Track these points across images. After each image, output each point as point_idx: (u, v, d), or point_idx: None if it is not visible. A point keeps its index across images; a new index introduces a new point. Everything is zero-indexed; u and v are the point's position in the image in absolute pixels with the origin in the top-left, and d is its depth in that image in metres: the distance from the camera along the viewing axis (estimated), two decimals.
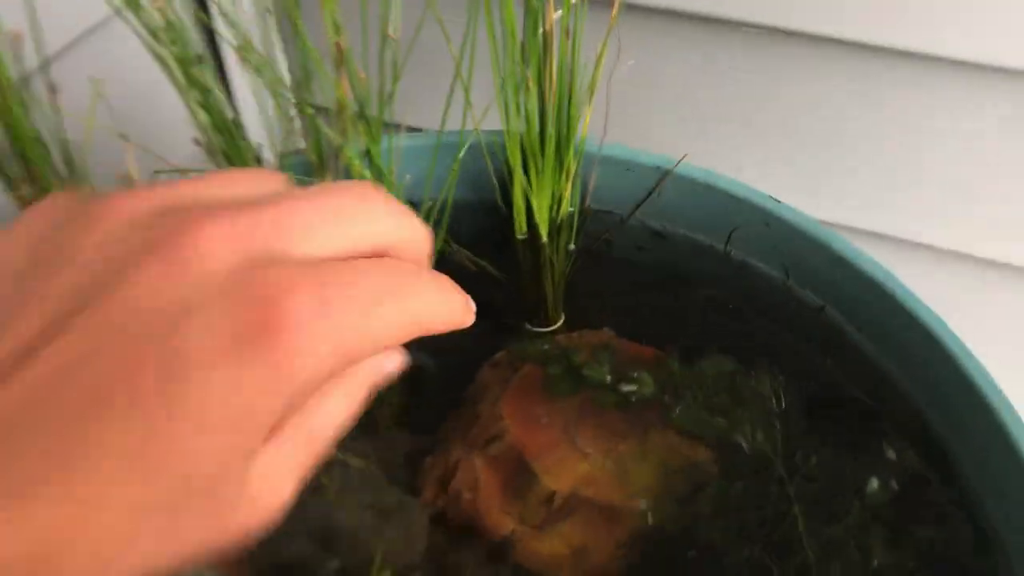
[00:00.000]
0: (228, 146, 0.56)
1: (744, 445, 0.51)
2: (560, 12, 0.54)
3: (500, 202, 0.63)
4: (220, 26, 0.78)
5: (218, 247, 0.24)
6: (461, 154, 0.60)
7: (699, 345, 0.59)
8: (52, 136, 0.51)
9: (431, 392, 0.61)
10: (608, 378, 0.54)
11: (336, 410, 0.29)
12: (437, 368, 0.61)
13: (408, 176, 0.63)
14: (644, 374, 0.54)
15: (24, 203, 0.50)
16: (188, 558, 0.24)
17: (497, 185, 0.63)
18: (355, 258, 0.26)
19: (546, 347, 0.57)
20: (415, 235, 0.29)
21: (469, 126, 0.60)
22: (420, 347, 0.62)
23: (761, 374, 0.54)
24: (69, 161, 0.53)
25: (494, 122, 0.61)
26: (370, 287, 0.26)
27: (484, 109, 0.60)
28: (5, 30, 0.47)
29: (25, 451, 0.21)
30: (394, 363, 0.31)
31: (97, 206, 0.25)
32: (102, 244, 0.24)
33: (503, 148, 0.61)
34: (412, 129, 0.65)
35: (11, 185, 0.48)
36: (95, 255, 0.24)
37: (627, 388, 0.53)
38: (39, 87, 0.52)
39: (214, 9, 0.77)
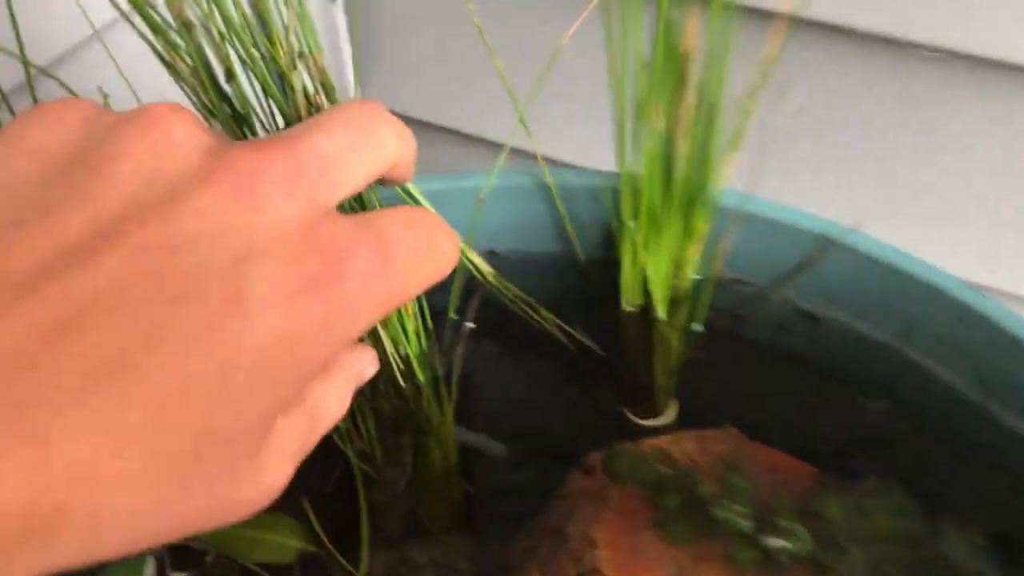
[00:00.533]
0: None
1: None
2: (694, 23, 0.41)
3: (607, 260, 0.50)
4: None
5: (276, 192, 0.24)
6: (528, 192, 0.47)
7: (857, 464, 0.45)
8: None
9: (502, 491, 0.48)
10: (745, 527, 0.40)
11: (334, 400, 0.29)
12: (510, 459, 0.49)
13: (488, 219, 0.50)
14: (796, 525, 0.40)
15: None
16: (185, 530, 0.23)
17: (602, 239, 0.50)
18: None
19: (656, 458, 0.44)
20: (411, 147, 0.29)
21: (574, 158, 0.47)
22: (492, 431, 0.51)
23: (952, 535, 0.40)
24: None
25: (602, 159, 0.48)
26: (414, 243, 0.26)
27: (587, 140, 0.47)
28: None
29: (56, 374, 0.20)
30: (374, 369, 0.32)
31: (139, 116, 0.24)
32: (153, 157, 0.24)
33: (614, 194, 0.48)
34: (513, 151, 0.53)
35: None
36: (147, 165, 0.23)
37: (773, 542, 0.40)
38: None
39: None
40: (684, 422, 0.50)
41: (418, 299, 0.45)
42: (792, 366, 0.49)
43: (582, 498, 0.46)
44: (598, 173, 0.48)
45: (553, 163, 0.72)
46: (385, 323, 0.43)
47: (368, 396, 0.46)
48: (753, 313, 0.50)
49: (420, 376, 0.45)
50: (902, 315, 0.45)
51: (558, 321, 0.50)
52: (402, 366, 0.45)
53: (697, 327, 0.49)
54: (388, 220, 0.26)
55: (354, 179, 0.26)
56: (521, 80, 0.68)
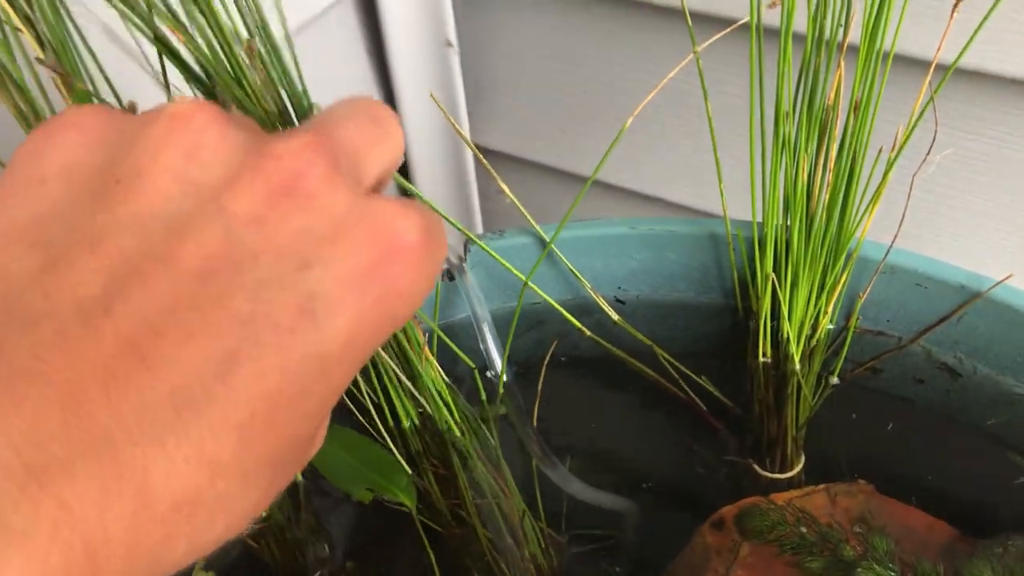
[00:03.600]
0: None
1: None
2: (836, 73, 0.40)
3: (739, 308, 0.49)
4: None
5: (322, 186, 0.23)
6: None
7: (1000, 522, 0.43)
8: None
9: (631, 547, 0.48)
10: None
11: None
12: (640, 514, 0.48)
13: (616, 267, 0.50)
14: None
15: None
16: (254, 517, 0.22)
17: (733, 288, 0.50)
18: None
19: (795, 517, 0.43)
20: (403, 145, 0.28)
21: (699, 200, 0.46)
22: (622, 486, 0.50)
23: None
24: None
25: (736, 207, 0.47)
26: (439, 223, 0.25)
27: (701, 183, 0.46)
28: None
29: (143, 404, 0.19)
30: None
31: (162, 118, 0.23)
32: (187, 161, 0.22)
33: (747, 242, 0.47)
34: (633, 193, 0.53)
35: None
36: (184, 172, 0.22)
37: None
38: None
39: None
40: (811, 474, 0.48)
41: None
42: (928, 419, 0.48)
43: (712, 553, 0.45)
44: (732, 222, 0.47)
45: (662, 203, 0.72)
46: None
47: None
48: (889, 365, 0.49)
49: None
50: None
51: (685, 370, 0.49)
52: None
53: (832, 379, 0.48)
54: (414, 200, 0.26)
55: (377, 169, 0.26)
56: (629, 120, 0.68)
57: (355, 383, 0.46)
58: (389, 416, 0.45)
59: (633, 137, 0.69)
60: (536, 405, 0.49)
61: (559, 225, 0.49)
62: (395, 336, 0.42)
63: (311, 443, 0.24)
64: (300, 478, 0.46)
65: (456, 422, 0.45)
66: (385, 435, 0.45)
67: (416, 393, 0.44)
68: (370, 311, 0.22)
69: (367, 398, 0.45)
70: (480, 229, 0.83)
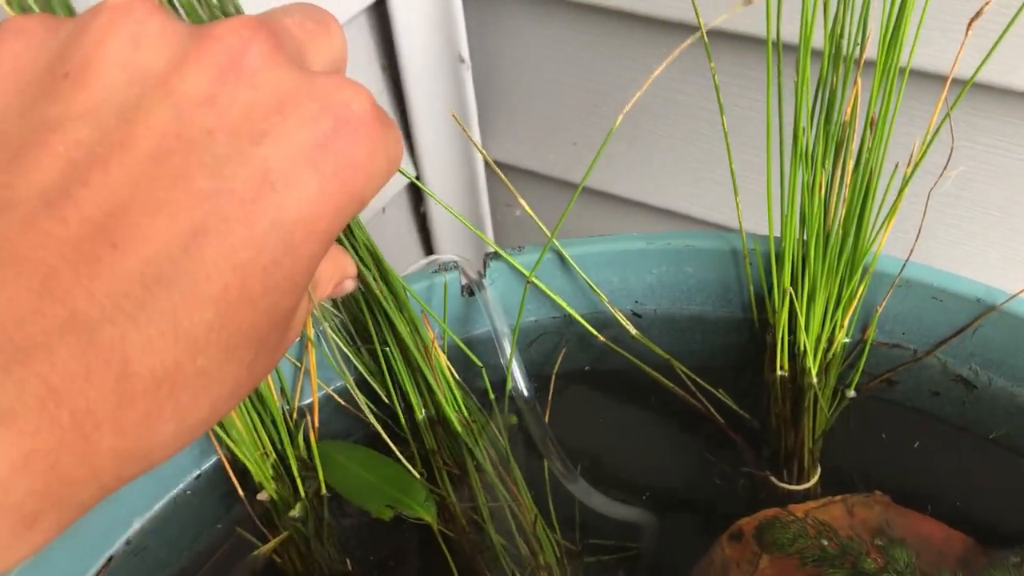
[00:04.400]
0: None
1: None
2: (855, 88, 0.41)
3: (755, 322, 0.50)
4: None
5: (265, 63, 0.23)
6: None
7: (1008, 536, 0.44)
8: None
9: (648, 558, 0.48)
10: None
11: (326, 275, 0.30)
12: (659, 527, 0.49)
13: (633, 281, 0.51)
14: None
15: None
16: (238, 399, 0.23)
17: (749, 302, 0.50)
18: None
19: (815, 529, 0.43)
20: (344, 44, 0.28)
21: (712, 213, 0.47)
22: (639, 498, 0.51)
23: None
24: None
25: (752, 221, 0.48)
26: (386, 113, 0.25)
27: (716, 197, 0.47)
28: None
29: (115, 285, 0.19)
30: (351, 286, 0.34)
31: (102, 11, 0.23)
32: (132, 49, 0.22)
33: (764, 257, 0.48)
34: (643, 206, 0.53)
35: None
36: (130, 60, 0.22)
37: None
38: None
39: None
40: (827, 486, 0.49)
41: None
42: (943, 431, 0.48)
43: (731, 565, 0.46)
44: (749, 236, 0.48)
45: (678, 217, 0.72)
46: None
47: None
48: (904, 377, 0.49)
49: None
50: None
51: (702, 383, 0.50)
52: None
53: (849, 392, 0.48)
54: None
55: (320, 61, 0.26)
56: (641, 135, 0.69)
57: (370, 380, 0.47)
58: (402, 414, 0.46)
59: (647, 151, 0.69)
60: (547, 415, 0.50)
61: (575, 240, 0.49)
62: (408, 330, 0.43)
63: (290, 322, 0.24)
64: (324, 492, 0.47)
65: (464, 417, 0.46)
66: (405, 431, 0.46)
67: (431, 384, 0.45)
68: (329, 182, 0.23)
69: (384, 391, 0.46)
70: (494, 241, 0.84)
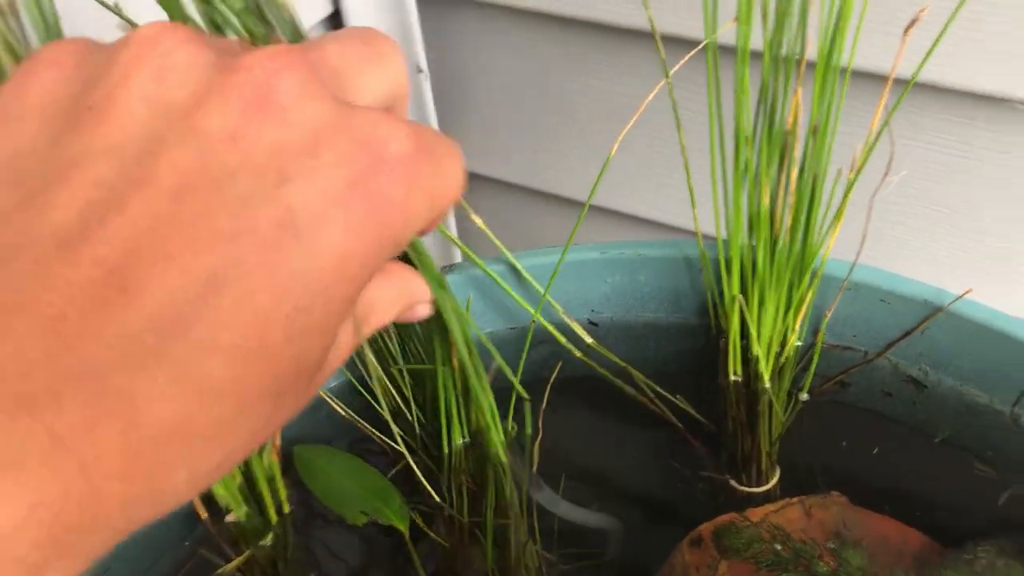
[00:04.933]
0: None
1: None
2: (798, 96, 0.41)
3: (711, 327, 0.50)
4: None
5: (296, 98, 0.22)
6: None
7: (970, 529, 0.44)
8: None
9: (616, 564, 0.49)
10: None
11: (385, 301, 0.27)
12: (623, 531, 0.49)
13: (588, 290, 0.51)
14: None
15: None
16: (256, 445, 0.22)
17: (703, 307, 0.51)
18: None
19: (770, 534, 0.44)
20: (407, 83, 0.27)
21: (672, 217, 0.47)
22: (602, 505, 0.51)
23: None
24: None
25: (711, 227, 0.48)
26: (443, 145, 0.24)
27: (675, 200, 0.47)
28: None
29: (125, 332, 0.19)
30: (426, 311, 0.31)
31: (129, 43, 0.22)
32: (157, 83, 0.21)
33: (715, 263, 0.48)
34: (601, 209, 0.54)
35: None
36: (154, 94, 0.21)
37: None
38: None
39: None
40: (786, 488, 0.49)
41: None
42: (896, 431, 0.49)
43: (691, 571, 0.46)
44: (698, 243, 0.48)
45: (627, 218, 0.73)
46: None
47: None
48: (857, 379, 0.50)
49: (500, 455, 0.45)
50: (1015, 381, 0.45)
51: (659, 389, 0.50)
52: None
53: (802, 395, 0.49)
54: (415, 123, 0.24)
55: (369, 91, 0.24)
56: (600, 141, 0.69)
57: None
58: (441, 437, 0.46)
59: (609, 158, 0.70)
60: (508, 423, 0.50)
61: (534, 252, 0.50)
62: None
63: (318, 371, 0.23)
64: (288, 509, 0.47)
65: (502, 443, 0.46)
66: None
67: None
68: (361, 225, 0.22)
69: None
70: (459, 253, 0.84)
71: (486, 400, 0.42)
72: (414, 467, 0.46)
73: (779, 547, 0.43)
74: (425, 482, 0.46)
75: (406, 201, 0.22)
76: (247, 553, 0.46)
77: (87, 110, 0.21)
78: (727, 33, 0.42)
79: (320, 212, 0.21)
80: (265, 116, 0.21)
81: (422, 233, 0.26)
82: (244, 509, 0.46)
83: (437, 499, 0.47)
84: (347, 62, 0.24)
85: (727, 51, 0.46)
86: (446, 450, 0.46)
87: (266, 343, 0.20)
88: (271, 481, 0.47)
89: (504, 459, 0.46)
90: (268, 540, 0.46)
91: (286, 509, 0.47)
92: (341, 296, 0.22)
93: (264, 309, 0.20)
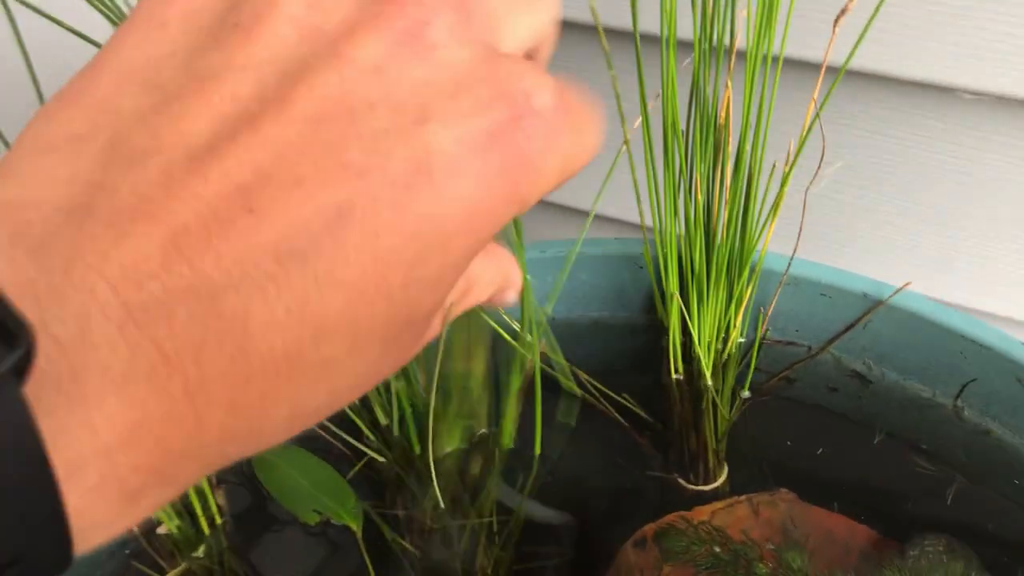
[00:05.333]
0: None
1: None
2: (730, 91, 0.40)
3: (653, 324, 0.50)
4: None
5: (448, 38, 0.21)
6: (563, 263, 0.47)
7: (914, 520, 0.44)
8: None
9: (569, 562, 0.48)
10: None
11: (486, 279, 0.26)
12: (576, 528, 0.49)
13: (533, 289, 0.50)
14: None
15: None
16: (360, 392, 0.22)
17: (646, 305, 0.50)
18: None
19: (710, 536, 0.43)
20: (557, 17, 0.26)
21: (623, 213, 0.46)
22: (553, 502, 0.51)
23: None
24: None
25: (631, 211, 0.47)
26: (585, 104, 0.23)
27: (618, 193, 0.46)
28: None
29: (246, 254, 0.18)
30: (513, 298, 0.29)
31: None
32: (307, 8, 0.21)
33: (655, 261, 0.48)
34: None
35: None
36: (303, 19, 0.21)
37: None
38: None
39: None
40: (735, 485, 0.49)
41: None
42: (842, 426, 0.48)
43: (635, 572, 0.46)
44: (638, 241, 0.48)
45: (577, 212, 0.72)
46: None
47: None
48: (802, 374, 0.49)
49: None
50: (956, 374, 0.44)
51: (605, 388, 0.50)
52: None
53: (743, 392, 0.48)
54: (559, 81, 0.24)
55: (518, 35, 0.23)
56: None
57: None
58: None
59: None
60: None
61: None
62: None
63: (426, 324, 0.23)
64: (219, 520, 0.46)
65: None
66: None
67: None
68: (493, 180, 0.21)
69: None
70: None
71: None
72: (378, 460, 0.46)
73: (718, 549, 0.42)
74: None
75: (542, 159, 0.22)
76: (182, 566, 0.45)
77: (233, 27, 0.21)
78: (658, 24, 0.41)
79: (456, 158, 0.20)
80: (414, 53, 0.21)
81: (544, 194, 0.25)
82: (176, 522, 0.45)
83: (398, 499, 0.46)
84: (502, 4, 0.23)
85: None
86: (416, 450, 0.45)
87: (384, 285, 0.20)
88: (201, 494, 0.46)
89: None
90: (200, 552, 0.45)
91: (218, 521, 0.46)
92: (462, 250, 0.21)
93: (387, 249, 0.20)
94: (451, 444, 0.46)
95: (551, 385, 0.50)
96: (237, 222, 0.18)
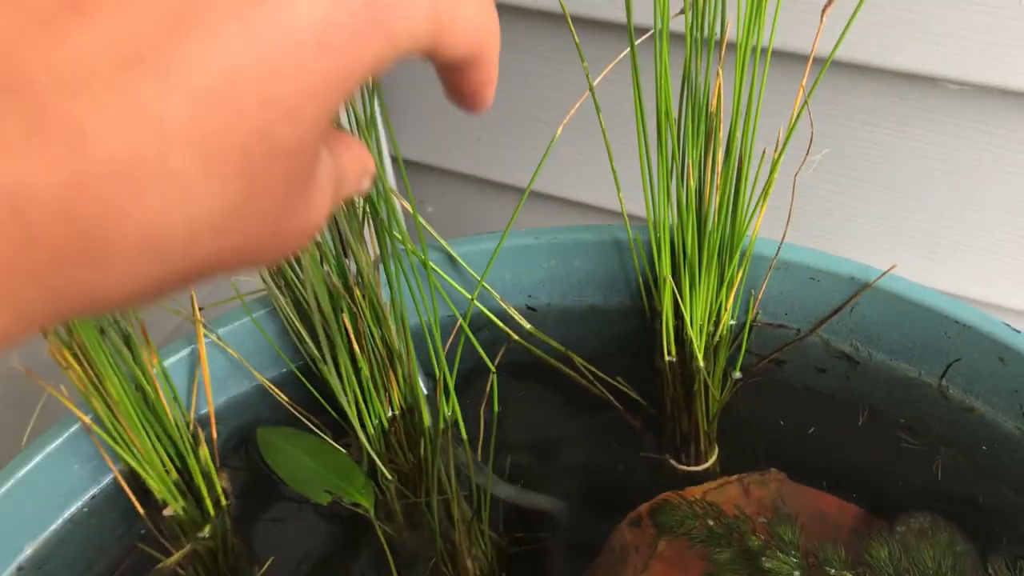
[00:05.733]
0: None
1: None
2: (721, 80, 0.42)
3: (646, 309, 0.51)
4: None
5: None
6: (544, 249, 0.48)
7: (900, 500, 0.45)
8: None
9: (562, 545, 0.49)
10: (797, 574, 0.41)
11: (351, 172, 0.26)
12: (568, 513, 0.50)
13: (525, 276, 0.51)
14: (845, 573, 0.40)
15: (58, 347, 0.40)
16: (244, 255, 0.21)
17: (638, 290, 0.51)
18: None
19: (704, 511, 0.45)
20: None
21: (612, 202, 0.47)
22: (547, 486, 0.52)
23: (996, 559, 0.40)
24: None
25: (636, 208, 0.48)
26: None
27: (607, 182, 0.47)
28: None
29: (78, 57, 0.17)
30: (369, 184, 0.28)
31: None
32: None
33: (647, 246, 0.49)
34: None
35: None
36: None
37: None
38: None
39: None
40: (726, 465, 0.50)
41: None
42: (831, 406, 0.50)
43: (631, 551, 0.47)
44: (630, 227, 0.49)
45: (571, 204, 0.73)
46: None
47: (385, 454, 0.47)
48: (791, 356, 0.50)
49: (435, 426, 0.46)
50: (941, 355, 0.46)
51: (599, 372, 0.51)
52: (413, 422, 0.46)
53: (735, 374, 0.50)
54: None
55: None
56: (541, 129, 0.69)
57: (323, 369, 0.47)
58: (363, 417, 0.46)
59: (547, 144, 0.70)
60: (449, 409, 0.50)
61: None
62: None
63: (304, 185, 0.22)
64: (224, 501, 0.47)
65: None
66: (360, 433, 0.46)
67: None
68: (351, 7, 0.20)
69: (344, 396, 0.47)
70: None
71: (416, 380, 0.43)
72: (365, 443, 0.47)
73: (712, 523, 0.43)
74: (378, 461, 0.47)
75: None
76: (187, 547, 0.46)
77: None
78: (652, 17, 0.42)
79: None
80: None
81: (413, 51, 0.23)
82: (181, 503, 0.46)
83: (390, 477, 0.47)
84: None
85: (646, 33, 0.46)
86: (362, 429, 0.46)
87: (234, 98, 0.19)
88: (207, 476, 0.47)
89: (445, 437, 0.46)
90: (206, 532, 0.45)
91: (224, 502, 0.47)
92: (320, 74, 0.20)
93: (233, 57, 0.19)
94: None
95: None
96: (70, 27, 0.17)
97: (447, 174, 0.77)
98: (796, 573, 0.41)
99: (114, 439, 0.44)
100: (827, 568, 0.41)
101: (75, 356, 0.42)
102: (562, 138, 0.68)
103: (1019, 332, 0.43)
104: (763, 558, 0.42)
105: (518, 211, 0.48)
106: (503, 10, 0.64)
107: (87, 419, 0.44)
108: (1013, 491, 0.45)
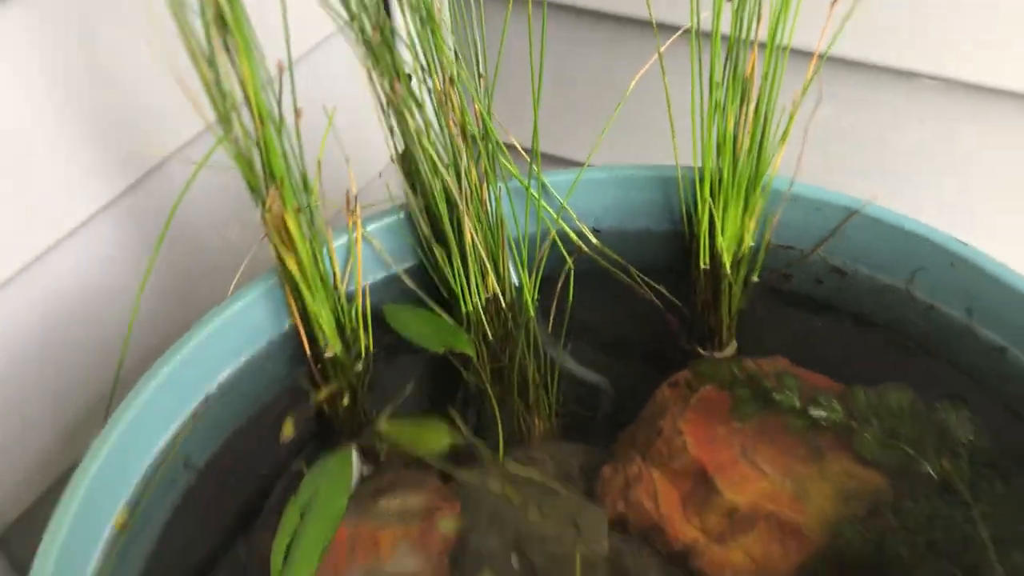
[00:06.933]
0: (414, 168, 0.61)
1: (929, 472, 0.52)
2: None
3: (686, 234, 0.67)
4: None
5: None
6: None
7: (876, 380, 0.60)
8: (293, 156, 0.55)
9: (604, 410, 0.64)
10: (797, 404, 0.56)
11: None
12: (612, 388, 0.65)
13: (594, 204, 0.67)
14: (834, 402, 0.56)
15: (274, 220, 0.55)
16: None
17: (680, 218, 0.67)
18: None
19: (730, 370, 0.60)
20: None
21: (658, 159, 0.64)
22: (596, 369, 0.67)
23: (946, 408, 0.55)
24: (304, 177, 0.57)
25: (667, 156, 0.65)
26: None
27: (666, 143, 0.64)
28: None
29: None
30: None
31: None
32: None
33: (691, 183, 0.65)
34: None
35: (262, 203, 0.53)
36: None
37: (816, 413, 0.56)
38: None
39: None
40: (743, 355, 0.65)
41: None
42: (826, 307, 0.65)
43: (670, 402, 0.62)
44: (679, 167, 0.65)
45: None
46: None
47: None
48: (796, 271, 0.66)
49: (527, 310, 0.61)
50: (909, 265, 0.62)
51: (647, 279, 0.66)
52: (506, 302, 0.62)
53: (754, 277, 0.65)
54: None
55: None
56: (598, 108, 0.85)
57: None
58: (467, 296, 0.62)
59: (601, 119, 0.86)
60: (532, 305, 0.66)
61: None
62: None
63: None
64: (370, 349, 0.62)
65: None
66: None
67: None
68: None
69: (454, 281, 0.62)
70: None
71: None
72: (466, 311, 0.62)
73: (736, 370, 0.59)
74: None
75: None
76: (334, 384, 0.61)
77: None
78: (700, 19, 0.58)
79: None
80: None
81: None
82: (339, 346, 0.61)
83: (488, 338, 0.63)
84: None
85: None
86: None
87: None
88: (354, 330, 0.62)
89: (532, 315, 0.62)
90: (359, 367, 0.61)
91: (370, 348, 0.62)
92: None
93: None
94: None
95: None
96: None
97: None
98: (797, 401, 0.56)
99: (296, 295, 0.59)
100: (818, 399, 0.56)
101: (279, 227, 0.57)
102: (616, 124, 0.84)
103: (965, 244, 0.59)
104: (773, 392, 0.57)
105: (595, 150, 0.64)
106: (582, 14, 0.80)
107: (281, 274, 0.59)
108: (953, 367, 0.60)
